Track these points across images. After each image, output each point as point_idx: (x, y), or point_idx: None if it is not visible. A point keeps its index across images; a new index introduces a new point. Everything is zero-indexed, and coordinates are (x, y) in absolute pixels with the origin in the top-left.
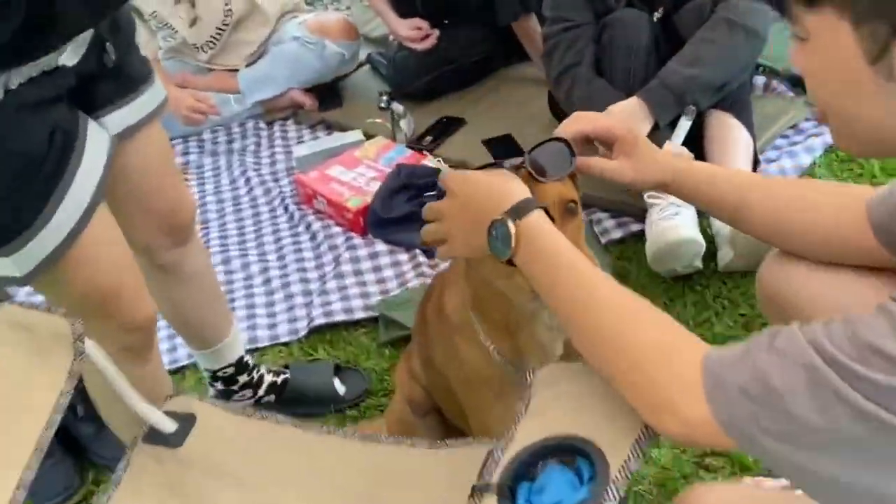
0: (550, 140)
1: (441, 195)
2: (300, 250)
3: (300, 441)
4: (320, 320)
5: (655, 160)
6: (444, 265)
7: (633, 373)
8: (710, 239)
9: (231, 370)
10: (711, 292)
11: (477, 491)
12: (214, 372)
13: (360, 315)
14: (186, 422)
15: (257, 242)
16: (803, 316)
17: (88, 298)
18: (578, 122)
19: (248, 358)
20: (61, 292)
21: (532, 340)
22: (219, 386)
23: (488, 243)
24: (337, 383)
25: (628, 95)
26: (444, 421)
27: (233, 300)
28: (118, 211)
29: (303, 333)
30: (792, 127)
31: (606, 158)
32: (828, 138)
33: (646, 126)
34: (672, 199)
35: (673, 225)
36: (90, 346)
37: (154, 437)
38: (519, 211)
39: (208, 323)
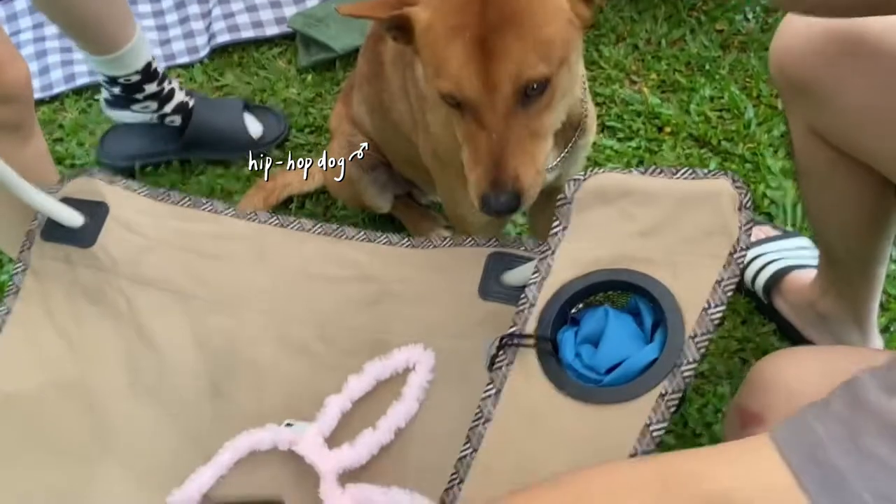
0: None
1: None
2: None
3: (251, 236)
4: (224, 37)
5: None
6: None
7: None
8: None
9: (136, 77)
10: (686, 2)
11: (508, 344)
12: (115, 78)
13: (272, 31)
14: (96, 212)
15: None
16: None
17: None
18: None
19: (157, 65)
20: None
21: None
22: (117, 91)
23: None
24: (251, 122)
25: None
26: (393, 174)
27: None
28: None
29: (204, 53)
30: None
31: None
32: None
33: None
34: None
35: None
36: None
37: (55, 233)
38: None
39: (107, 21)
